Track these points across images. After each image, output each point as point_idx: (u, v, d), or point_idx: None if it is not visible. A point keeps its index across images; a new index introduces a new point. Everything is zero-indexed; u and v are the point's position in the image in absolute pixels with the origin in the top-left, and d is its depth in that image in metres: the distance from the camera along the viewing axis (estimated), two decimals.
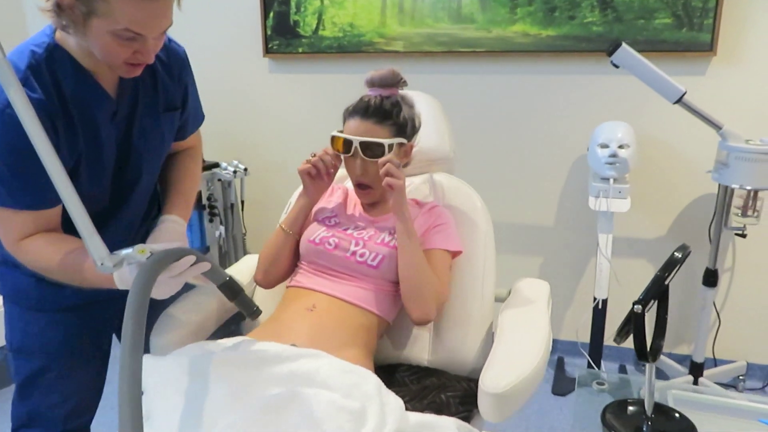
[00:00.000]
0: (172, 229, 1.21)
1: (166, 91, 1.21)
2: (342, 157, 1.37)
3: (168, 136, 1.27)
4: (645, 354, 0.96)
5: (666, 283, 0.95)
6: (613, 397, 1.13)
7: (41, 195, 1.05)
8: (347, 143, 1.33)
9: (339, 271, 1.33)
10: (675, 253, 0.96)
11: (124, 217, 1.24)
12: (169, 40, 1.24)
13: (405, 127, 1.37)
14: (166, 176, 1.33)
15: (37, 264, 1.09)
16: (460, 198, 1.51)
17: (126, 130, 1.17)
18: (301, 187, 1.46)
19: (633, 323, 0.92)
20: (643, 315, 0.92)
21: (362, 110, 1.34)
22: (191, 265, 1.01)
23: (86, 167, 1.11)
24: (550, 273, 2.54)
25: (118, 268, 0.98)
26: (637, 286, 2.44)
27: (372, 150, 1.32)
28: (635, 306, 0.92)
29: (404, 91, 1.42)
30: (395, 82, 1.36)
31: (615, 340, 1.03)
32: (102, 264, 0.96)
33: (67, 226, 1.12)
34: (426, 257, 1.31)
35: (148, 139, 1.21)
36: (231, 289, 1.13)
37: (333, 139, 1.37)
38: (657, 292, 0.94)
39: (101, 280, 1.05)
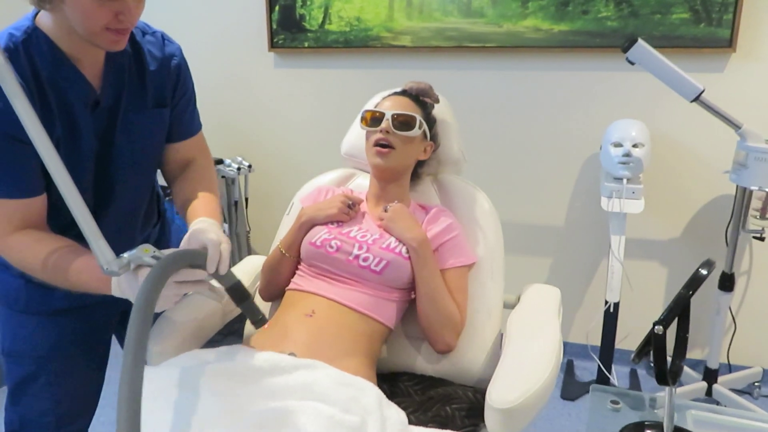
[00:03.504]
0: (199, 230, 1.08)
1: (155, 86, 1.17)
2: (366, 131, 1.39)
3: (157, 134, 1.22)
4: (665, 377, 0.90)
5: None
6: (628, 418, 1.08)
7: (23, 182, 1.03)
8: (378, 116, 1.35)
9: (340, 275, 1.28)
10: (700, 269, 0.89)
11: (112, 219, 1.19)
12: (163, 38, 1.20)
13: (431, 126, 1.43)
14: (182, 198, 1.24)
15: (23, 263, 1.05)
16: (468, 201, 1.45)
17: (108, 123, 1.13)
18: (299, 201, 1.47)
19: (653, 345, 0.86)
20: (665, 336, 0.86)
21: (400, 91, 1.44)
22: (197, 282, 0.98)
23: (63, 155, 1.07)
24: (561, 275, 2.48)
25: (125, 271, 0.95)
26: (650, 289, 2.38)
27: (403, 123, 1.34)
28: (656, 327, 0.86)
29: None
30: (430, 94, 1.44)
31: (633, 360, 0.97)
32: (107, 268, 0.94)
33: (61, 230, 1.09)
34: (443, 277, 1.30)
35: (132, 134, 1.16)
36: (239, 293, 1.08)
37: (364, 115, 1.39)
38: (680, 311, 0.88)
39: (92, 284, 1.01)
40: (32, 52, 1.01)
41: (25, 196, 1.04)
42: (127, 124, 1.15)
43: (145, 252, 0.95)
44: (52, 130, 1.04)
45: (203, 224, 1.07)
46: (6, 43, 0.99)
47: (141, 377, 0.75)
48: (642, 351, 0.96)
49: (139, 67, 1.15)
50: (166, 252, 0.95)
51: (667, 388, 0.94)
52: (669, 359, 1.00)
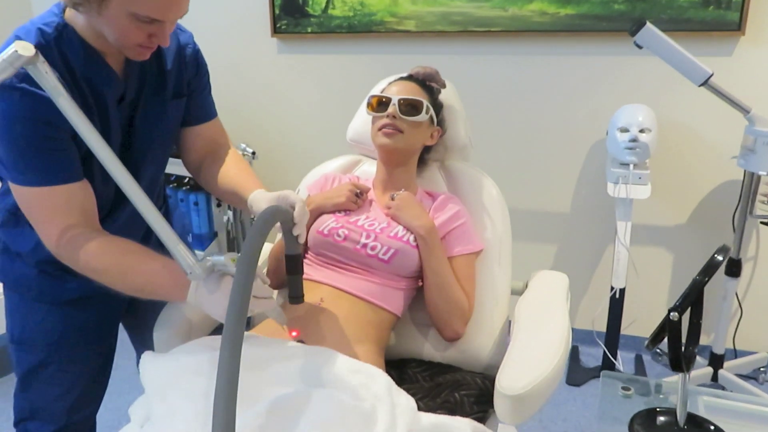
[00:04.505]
0: (285, 194, 1.11)
1: (174, 77, 1.17)
2: (372, 117, 1.37)
3: (174, 124, 1.23)
4: (680, 364, 0.90)
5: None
6: (638, 405, 1.08)
7: (67, 167, 1.02)
8: (385, 101, 1.34)
9: (348, 263, 1.28)
10: (716, 255, 0.89)
11: (127, 209, 1.19)
12: (177, 26, 1.19)
13: (438, 111, 1.42)
14: (224, 181, 1.24)
15: (89, 264, 1.03)
16: (475, 187, 1.44)
17: (130, 115, 1.14)
18: (305, 188, 1.48)
19: (669, 331, 0.86)
20: (680, 323, 0.86)
21: (406, 76, 1.42)
22: (267, 299, 1.03)
23: None
24: (566, 261, 2.48)
25: (209, 274, 0.97)
26: (656, 275, 2.37)
27: (410, 107, 1.32)
28: (671, 313, 0.86)
29: None
30: (437, 79, 1.43)
31: (647, 347, 0.97)
32: (191, 272, 0.96)
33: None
34: (450, 265, 1.30)
35: (153, 126, 1.17)
36: (294, 264, 1.10)
37: (370, 100, 1.37)
38: (695, 297, 0.87)
39: (165, 288, 1.02)
40: (65, 49, 1.00)
41: (72, 180, 1.03)
42: (147, 116, 1.15)
43: (232, 261, 0.96)
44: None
45: (285, 191, 1.10)
46: (37, 39, 0.98)
47: (242, 333, 0.78)
48: (657, 338, 0.95)
49: (158, 59, 1.14)
50: None
51: (680, 375, 0.94)
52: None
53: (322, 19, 2.44)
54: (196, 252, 2.55)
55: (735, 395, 1.12)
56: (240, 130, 2.68)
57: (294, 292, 1.12)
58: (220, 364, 0.74)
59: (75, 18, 1.01)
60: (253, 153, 2.57)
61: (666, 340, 0.90)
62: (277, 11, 2.49)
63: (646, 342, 0.98)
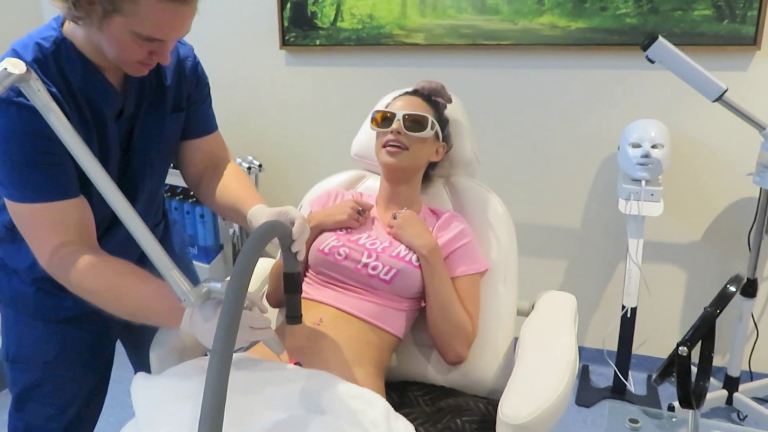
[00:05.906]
0: (286, 210, 1.09)
1: (174, 91, 1.16)
2: (377, 132, 1.35)
3: (173, 138, 1.21)
4: (690, 401, 0.86)
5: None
6: None
7: (64, 183, 1.00)
8: (389, 117, 1.31)
9: (349, 283, 1.25)
10: (728, 286, 0.85)
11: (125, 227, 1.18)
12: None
13: (444, 126, 1.39)
14: (223, 195, 1.21)
15: (81, 284, 1.01)
16: (481, 204, 1.41)
17: (128, 130, 1.12)
18: (308, 204, 1.46)
19: (677, 367, 0.82)
20: (689, 357, 0.81)
21: (411, 91, 1.40)
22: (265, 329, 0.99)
23: None
24: (577, 278, 2.42)
25: (204, 300, 0.94)
26: (668, 294, 2.32)
27: (415, 123, 1.30)
28: (680, 348, 0.81)
29: None
30: (443, 94, 1.41)
31: (654, 382, 0.92)
32: (185, 299, 0.93)
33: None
34: (454, 285, 1.26)
35: (152, 140, 1.15)
36: (293, 283, 1.07)
37: (374, 115, 1.35)
38: (706, 330, 0.83)
39: (160, 313, 1.00)
40: (63, 64, 0.99)
41: (68, 196, 1.01)
42: (145, 131, 1.14)
43: None
44: (90, 145, 1.01)
45: (286, 207, 1.08)
46: (35, 54, 0.97)
47: (233, 344, 0.75)
48: (665, 372, 0.91)
49: (158, 73, 1.13)
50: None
51: (690, 412, 0.89)
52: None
53: (330, 31, 2.43)
54: (202, 265, 2.54)
55: (747, 429, 1.06)
56: (247, 143, 2.68)
57: (292, 312, 1.08)
58: (205, 392, 0.71)
59: (74, 32, 1.00)
60: (260, 165, 2.55)
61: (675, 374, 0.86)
62: (285, 23, 2.48)
63: (654, 376, 0.94)
